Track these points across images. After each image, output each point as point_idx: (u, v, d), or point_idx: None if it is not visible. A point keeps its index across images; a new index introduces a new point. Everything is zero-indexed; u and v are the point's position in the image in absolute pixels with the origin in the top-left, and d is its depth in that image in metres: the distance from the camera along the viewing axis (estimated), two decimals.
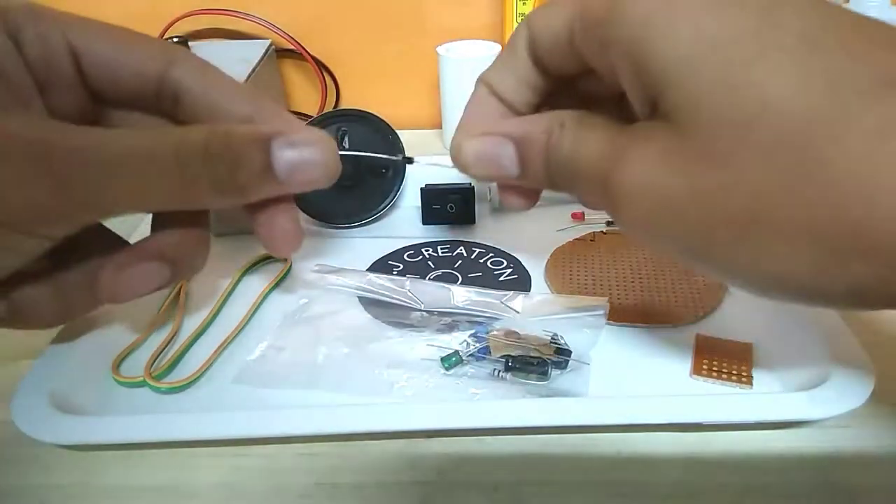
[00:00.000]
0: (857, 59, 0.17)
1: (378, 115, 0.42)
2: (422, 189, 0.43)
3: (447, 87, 0.53)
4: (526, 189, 0.28)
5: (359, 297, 0.36)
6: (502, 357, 0.30)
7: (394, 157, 0.35)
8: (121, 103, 0.26)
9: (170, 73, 0.25)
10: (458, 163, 0.26)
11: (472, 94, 0.27)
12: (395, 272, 0.39)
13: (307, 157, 0.24)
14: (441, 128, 0.56)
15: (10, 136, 0.21)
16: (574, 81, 0.26)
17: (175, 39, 0.55)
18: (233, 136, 0.23)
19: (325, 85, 0.61)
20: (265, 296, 0.37)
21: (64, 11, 0.25)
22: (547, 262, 0.39)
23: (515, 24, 0.52)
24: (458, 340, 0.32)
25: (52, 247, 0.24)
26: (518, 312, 0.34)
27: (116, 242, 0.28)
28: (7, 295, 0.25)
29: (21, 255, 0.23)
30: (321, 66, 0.60)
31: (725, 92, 0.18)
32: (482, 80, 0.27)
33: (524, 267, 0.39)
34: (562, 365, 0.30)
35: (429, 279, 0.38)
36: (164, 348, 0.33)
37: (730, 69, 0.18)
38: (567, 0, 0.23)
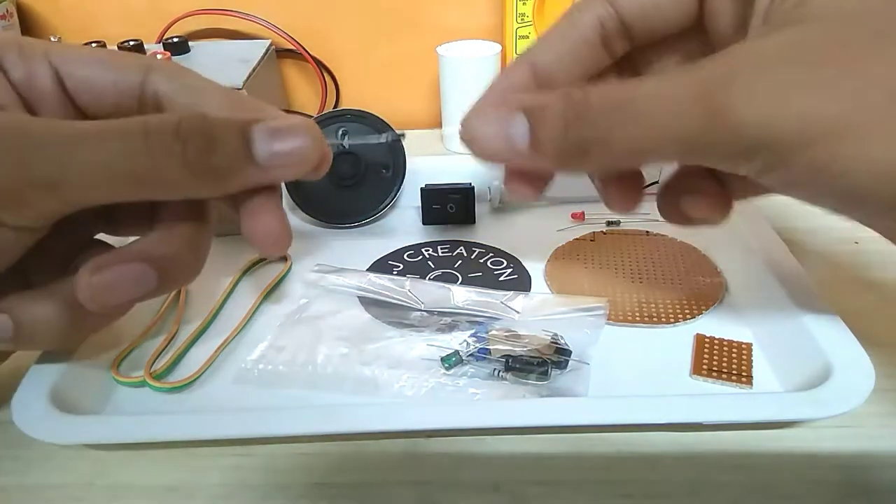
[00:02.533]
0: None
1: (378, 115, 0.42)
2: (422, 189, 0.43)
3: (447, 87, 0.53)
4: (533, 177, 0.27)
5: (359, 297, 0.36)
6: (502, 357, 0.30)
7: (380, 140, 0.33)
8: (107, 117, 0.25)
9: (148, 83, 0.25)
10: (466, 140, 0.25)
11: (504, 70, 0.27)
12: (395, 272, 0.39)
13: (289, 141, 0.23)
14: (441, 128, 0.56)
15: None
16: (631, 59, 0.27)
17: (175, 39, 0.55)
18: (209, 118, 0.22)
19: (325, 85, 0.61)
20: (265, 296, 0.37)
21: (47, 41, 0.26)
22: (547, 262, 0.39)
23: (516, 24, 0.52)
24: (458, 340, 0.32)
25: (33, 242, 0.23)
26: (518, 312, 0.34)
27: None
28: (10, 311, 0.24)
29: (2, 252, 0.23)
30: (321, 66, 0.60)
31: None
32: (522, 56, 0.27)
33: (524, 267, 0.39)
34: (562, 365, 0.30)
35: (429, 279, 0.38)
36: (164, 348, 0.33)
37: None
38: None
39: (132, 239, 0.25)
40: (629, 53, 0.27)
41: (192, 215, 0.25)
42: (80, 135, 0.21)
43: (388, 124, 0.42)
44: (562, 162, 0.24)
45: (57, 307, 0.24)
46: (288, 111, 0.59)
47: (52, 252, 0.26)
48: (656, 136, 0.21)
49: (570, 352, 0.30)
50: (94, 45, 0.53)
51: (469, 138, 0.24)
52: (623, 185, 0.28)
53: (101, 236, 0.28)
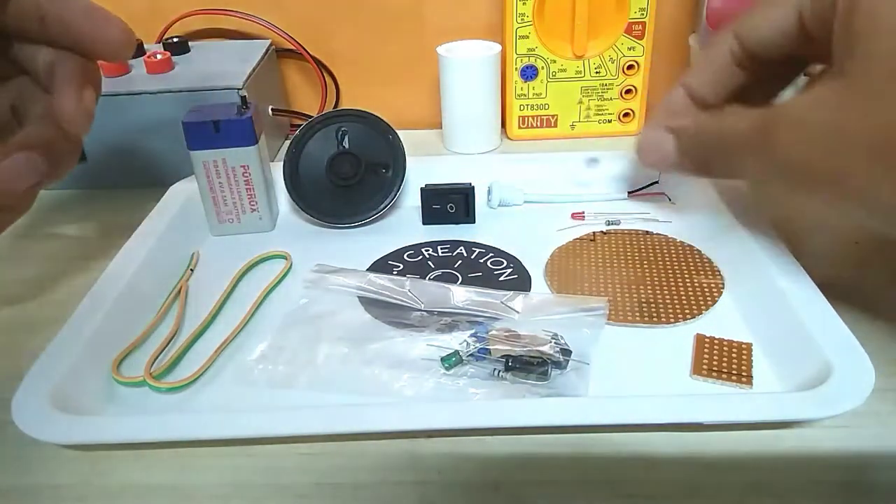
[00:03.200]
0: None
1: (378, 115, 0.42)
2: (422, 189, 0.43)
3: (447, 87, 0.53)
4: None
5: (359, 297, 0.36)
6: (502, 357, 0.30)
7: None
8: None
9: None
10: (637, 152, 0.36)
11: (667, 93, 0.36)
12: (395, 272, 0.39)
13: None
14: (441, 128, 0.56)
15: None
16: (758, 84, 0.34)
17: (175, 39, 0.55)
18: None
19: (325, 85, 0.61)
20: (265, 296, 0.37)
21: None
22: (547, 262, 0.39)
23: (516, 24, 0.52)
24: (458, 340, 0.32)
25: None
26: (518, 312, 0.34)
27: None
28: None
29: None
30: (321, 66, 0.60)
31: None
32: (680, 83, 0.36)
33: (524, 267, 0.39)
34: (562, 365, 0.30)
35: (429, 279, 0.38)
36: (164, 348, 0.33)
37: None
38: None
39: None
40: (764, 68, 0.33)
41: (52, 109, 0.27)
42: None
43: (388, 124, 0.42)
44: (697, 171, 0.34)
45: None
46: (288, 111, 0.59)
47: None
48: (739, 162, 0.30)
49: (571, 352, 0.30)
50: None
51: (638, 151, 0.36)
52: None
53: None
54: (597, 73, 0.54)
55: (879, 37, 0.24)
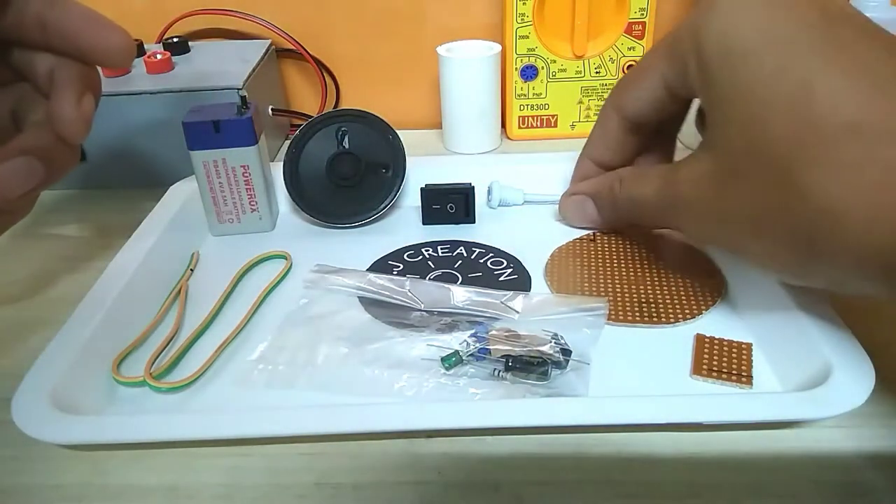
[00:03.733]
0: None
1: (378, 115, 0.42)
2: (422, 189, 0.43)
3: (447, 87, 0.53)
4: None
5: (359, 297, 0.36)
6: (502, 357, 0.30)
7: None
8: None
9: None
10: (562, 216, 0.41)
11: (576, 165, 0.40)
12: (395, 272, 0.39)
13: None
14: (441, 128, 0.56)
15: None
16: (654, 138, 0.36)
17: (175, 40, 0.55)
18: None
19: (325, 85, 0.61)
20: (265, 296, 0.37)
21: None
22: (547, 262, 0.39)
23: (516, 24, 0.52)
24: (458, 340, 0.32)
25: None
26: (518, 312, 0.34)
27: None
28: None
29: None
30: (321, 66, 0.60)
31: (751, 139, 0.25)
32: (582, 154, 0.39)
33: (524, 267, 0.39)
34: (562, 365, 0.30)
35: (429, 279, 0.38)
36: (164, 348, 0.33)
37: (752, 130, 0.24)
38: (651, 64, 0.32)
39: None
40: (656, 125, 0.35)
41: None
42: None
43: (388, 124, 0.42)
44: (620, 226, 0.39)
45: None
46: (288, 111, 0.59)
47: None
48: (654, 221, 0.34)
49: (571, 352, 0.30)
50: None
51: (563, 216, 0.41)
52: None
53: None
54: (597, 73, 0.54)
55: (731, 114, 0.25)
